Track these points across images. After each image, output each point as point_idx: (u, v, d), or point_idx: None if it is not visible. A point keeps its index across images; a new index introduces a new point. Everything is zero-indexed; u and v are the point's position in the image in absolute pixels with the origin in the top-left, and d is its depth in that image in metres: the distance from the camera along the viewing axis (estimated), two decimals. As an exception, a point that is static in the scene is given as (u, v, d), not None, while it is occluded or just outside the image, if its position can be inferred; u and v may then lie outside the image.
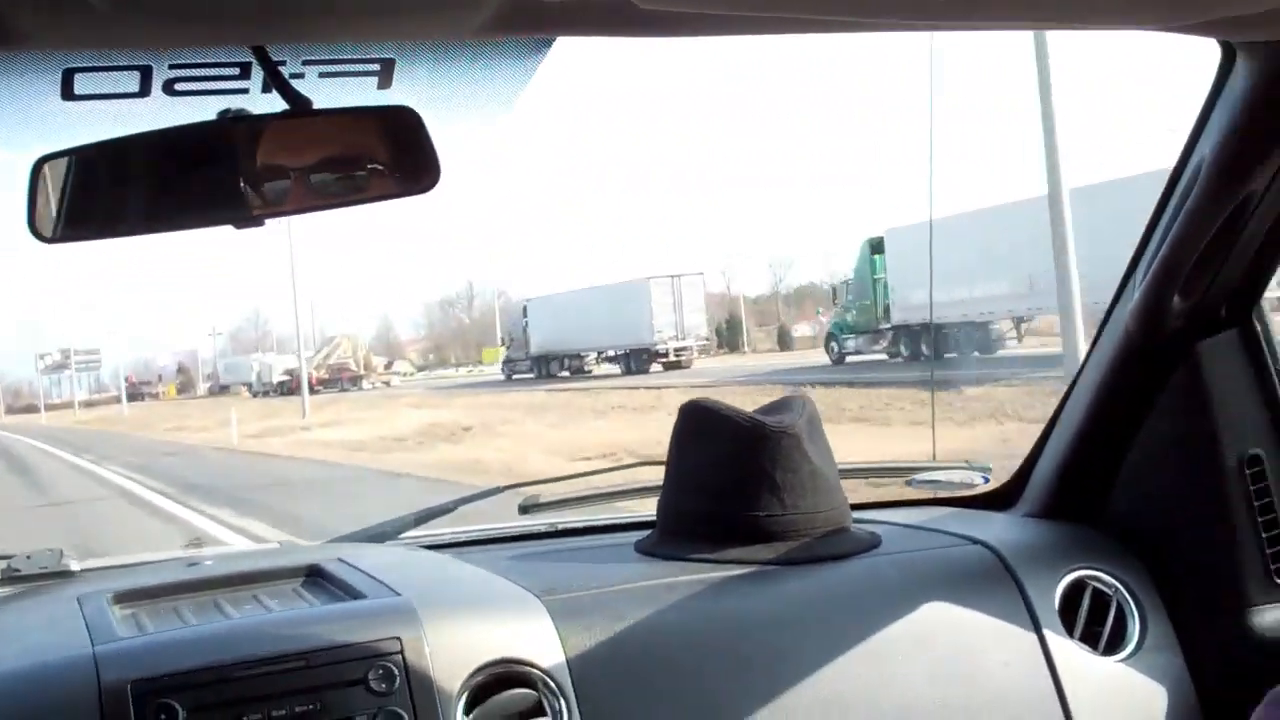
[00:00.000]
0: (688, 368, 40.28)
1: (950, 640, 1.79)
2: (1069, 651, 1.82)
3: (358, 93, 1.36)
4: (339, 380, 54.11)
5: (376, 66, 1.35)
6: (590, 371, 44.59)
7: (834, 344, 32.68)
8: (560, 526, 2.28)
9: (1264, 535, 1.84)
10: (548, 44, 1.35)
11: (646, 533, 2.03)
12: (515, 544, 2.19)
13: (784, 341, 57.99)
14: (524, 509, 2.24)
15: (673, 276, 42.29)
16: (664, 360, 40.51)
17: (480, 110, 1.44)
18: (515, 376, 45.81)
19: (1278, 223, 1.71)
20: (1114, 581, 1.90)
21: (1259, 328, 1.86)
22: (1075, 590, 1.89)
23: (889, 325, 29.97)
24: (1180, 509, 1.92)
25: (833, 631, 1.75)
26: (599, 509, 2.36)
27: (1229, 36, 1.50)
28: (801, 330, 58.75)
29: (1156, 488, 1.95)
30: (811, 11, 1.20)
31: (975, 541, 1.94)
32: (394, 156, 1.40)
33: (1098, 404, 1.96)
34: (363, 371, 56.34)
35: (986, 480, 2.26)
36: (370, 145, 1.39)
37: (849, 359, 31.33)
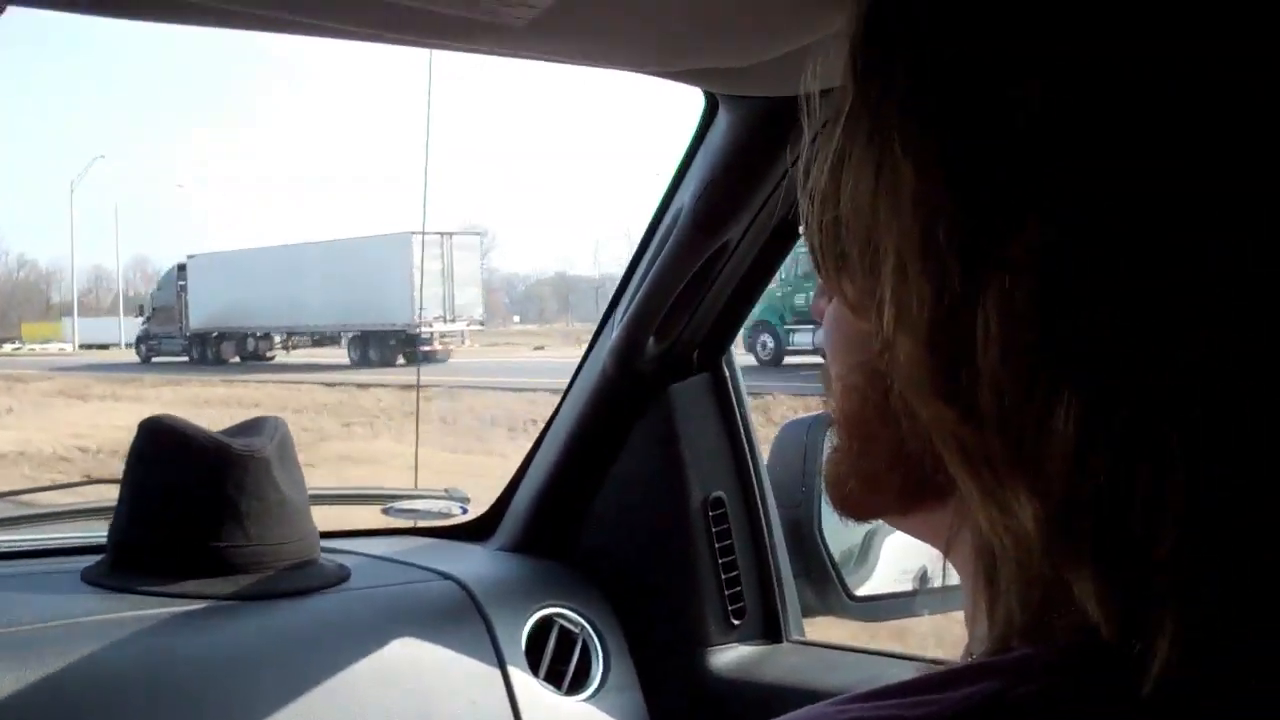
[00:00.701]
0: (443, 361, 28.33)
1: (416, 679, 1.72)
2: (533, 690, 1.80)
3: None
4: None
5: None
6: (272, 358, 33.23)
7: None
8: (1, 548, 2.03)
9: (723, 576, 1.90)
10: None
11: (98, 558, 1.84)
12: None
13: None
14: None
15: (443, 234, 30.35)
16: (425, 350, 28.54)
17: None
18: (157, 359, 33.93)
19: (749, 274, 1.77)
20: (580, 620, 1.90)
21: (727, 374, 1.93)
22: (543, 628, 1.87)
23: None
24: (647, 548, 1.95)
25: (294, 671, 1.64)
26: (46, 530, 2.12)
27: (711, 87, 1.53)
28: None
29: (626, 526, 1.98)
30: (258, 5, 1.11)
31: (446, 576, 1.88)
32: None
33: (573, 439, 1.97)
34: None
35: (465, 511, 2.22)
36: None
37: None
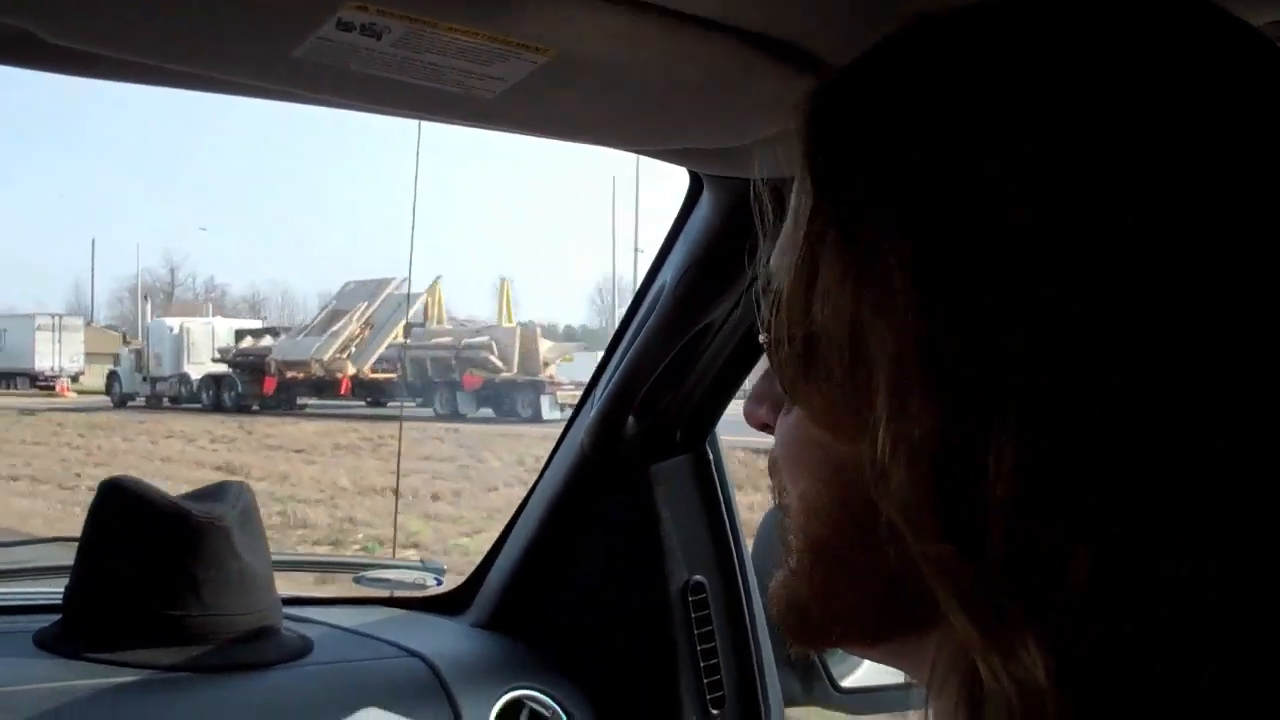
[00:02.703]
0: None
1: None
2: None
3: None
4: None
5: None
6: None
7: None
8: None
9: (702, 664, 1.84)
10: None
11: (53, 618, 1.78)
12: None
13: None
14: None
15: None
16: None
17: None
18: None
19: (733, 355, 1.73)
20: (552, 703, 1.84)
21: (710, 455, 1.88)
22: (512, 710, 1.81)
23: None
24: (623, 631, 1.89)
25: None
26: (4, 585, 2.06)
27: (695, 167, 1.50)
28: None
29: (603, 607, 1.92)
30: (239, 75, 1.08)
31: (412, 653, 1.82)
32: None
33: (549, 516, 1.91)
34: None
35: (439, 582, 2.16)
36: None
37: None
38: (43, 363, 38.07)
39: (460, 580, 2.12)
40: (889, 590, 0.53)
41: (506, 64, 1.04)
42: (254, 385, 28.50)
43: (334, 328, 27.89)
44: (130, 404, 31.10)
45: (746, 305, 1.65)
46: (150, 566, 1.69)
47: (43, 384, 37.07)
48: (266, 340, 31.11)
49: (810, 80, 1.03)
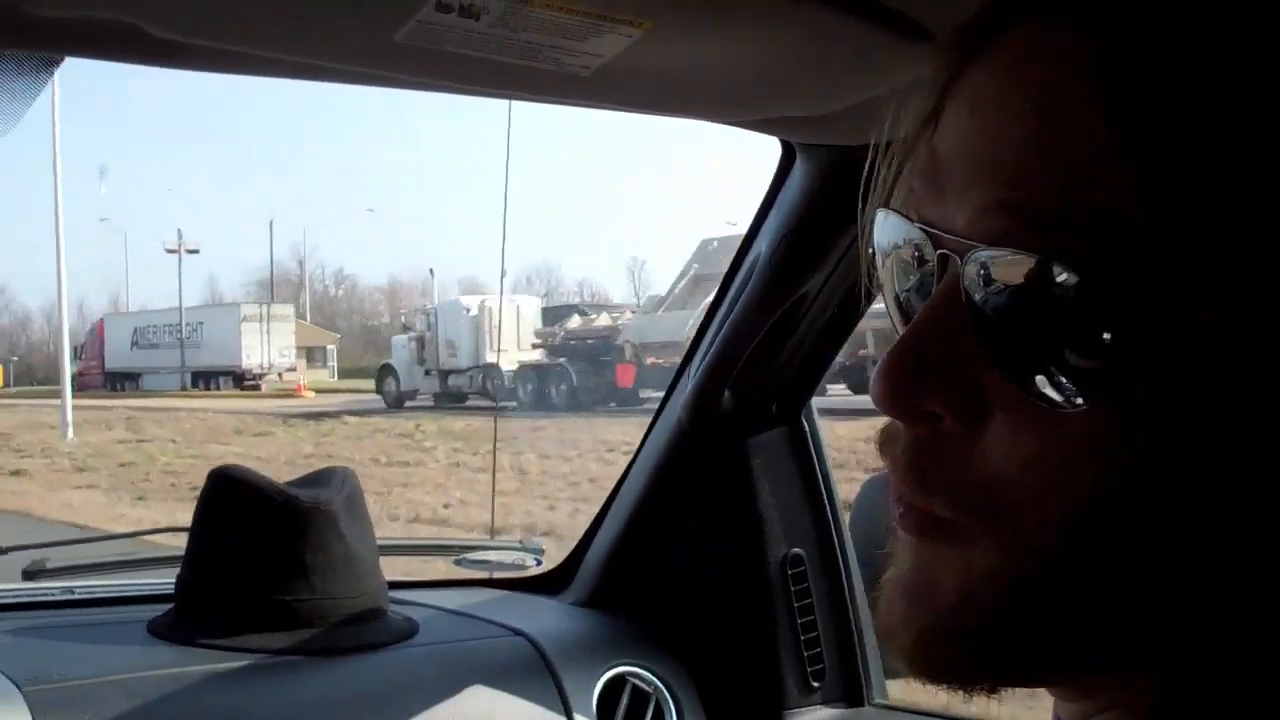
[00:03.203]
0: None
1: None
2: None
3: None
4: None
5: None
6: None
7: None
8: (71, 595, 2.02)
9: (802, 637, 1.84)
10: (55, 62, 1.19)
11: (166, 607, 1.82)
12: (16, 614, 1.92)
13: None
14: (28, 574, 1.98)
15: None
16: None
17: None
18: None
19: (829, 325, 1.72)
20: (654, 679, 1.84)
21: (807, 427, 1.87)
22: (615, 687, 1.82)
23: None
24: (722, 606, 1.89)
25: None
26: (117, 577, 2.11)
27: (788, 136, 1.49)
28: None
29: (702, 582, 1.92)
30: (341, 61, 1.09)
31: (516, 632, 1.84)
32: None
33: (648, 493, 1.92)
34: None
35: (539, 563, 2.17)
36: None
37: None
38: (250, 359, 33.47)
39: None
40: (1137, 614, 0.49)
41: (602, 39, 1.04)
42: (595, 376, 22.75)
43: (701, 298, 19.80)
44: (409, 404, 25.86)
45: (840, 274, 1.64)
46: (260, 553, 1.72)
47: (249, 383, 32.60)
48: (575, 320, 25.19)
49: (909, 44, 1.03)
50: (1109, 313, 0.46)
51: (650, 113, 1.29)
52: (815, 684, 1.86)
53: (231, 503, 1.77)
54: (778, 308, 1.67)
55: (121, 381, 36.21)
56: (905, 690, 1.98)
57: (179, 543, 1.97)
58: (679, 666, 1.87)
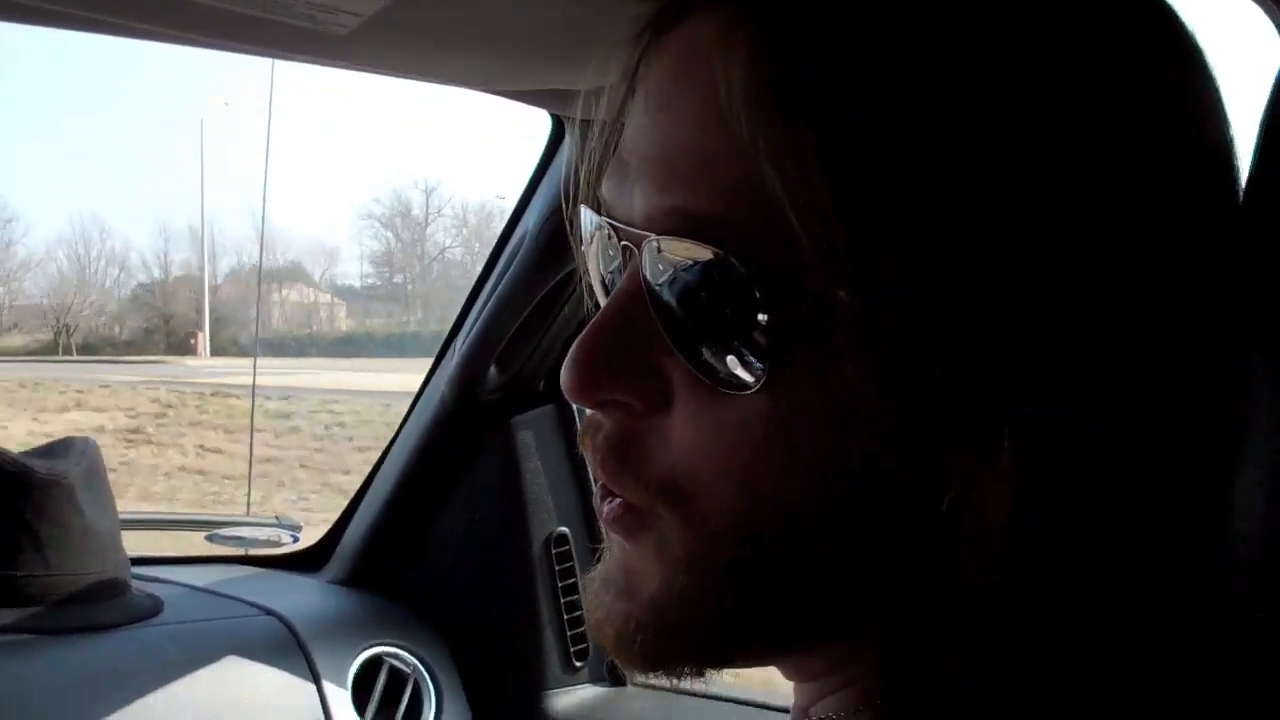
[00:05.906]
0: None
1: None
2: None
3: None
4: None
5: None
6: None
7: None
8: None
9: (566, 617, 1.82)
10: None
11: None
12: None
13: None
14: None
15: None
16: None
17: None
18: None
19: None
20: (413, 659, 1.80)
21: (573, 405, 1.85)
22: (371, 667, 1.77)
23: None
24: (486, 585, 1.86)
25: (91, 712, 1.52)
26: None
27: (555, 110, 1.46)
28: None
29: (464, 561, 1.88)
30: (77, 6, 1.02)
31: (268, 611, 1.77)
32: None
33: (410, 470, 1.87)
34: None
35: (295, 539, 2.10)
36: None
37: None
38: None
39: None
40: (826, 594, 0.51)
41: None
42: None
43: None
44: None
45: None
46: (-12, 526, 1.61)
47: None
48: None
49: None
50: (763, 301, 0.48)
51: (412, 78, 1.24)
52: (578, 663, 1.84)
53: None
54: (544, 285, 1.64)
55: None
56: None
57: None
58: (441, 647, 1.84)
